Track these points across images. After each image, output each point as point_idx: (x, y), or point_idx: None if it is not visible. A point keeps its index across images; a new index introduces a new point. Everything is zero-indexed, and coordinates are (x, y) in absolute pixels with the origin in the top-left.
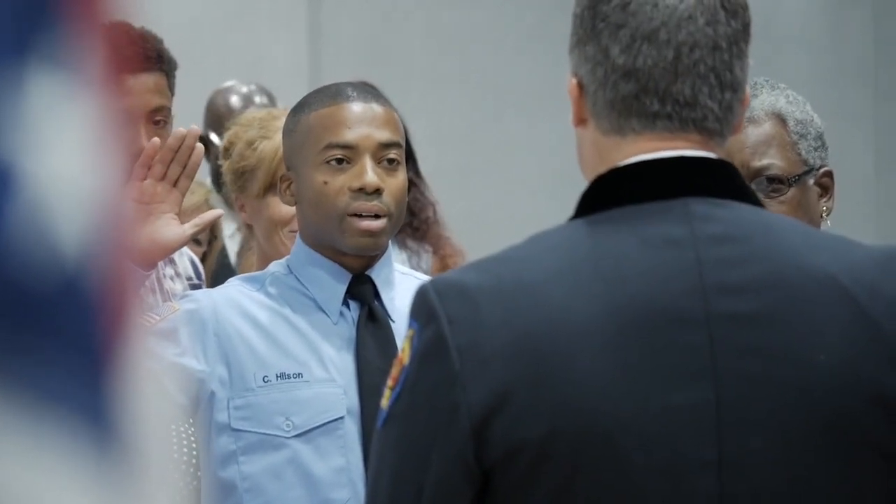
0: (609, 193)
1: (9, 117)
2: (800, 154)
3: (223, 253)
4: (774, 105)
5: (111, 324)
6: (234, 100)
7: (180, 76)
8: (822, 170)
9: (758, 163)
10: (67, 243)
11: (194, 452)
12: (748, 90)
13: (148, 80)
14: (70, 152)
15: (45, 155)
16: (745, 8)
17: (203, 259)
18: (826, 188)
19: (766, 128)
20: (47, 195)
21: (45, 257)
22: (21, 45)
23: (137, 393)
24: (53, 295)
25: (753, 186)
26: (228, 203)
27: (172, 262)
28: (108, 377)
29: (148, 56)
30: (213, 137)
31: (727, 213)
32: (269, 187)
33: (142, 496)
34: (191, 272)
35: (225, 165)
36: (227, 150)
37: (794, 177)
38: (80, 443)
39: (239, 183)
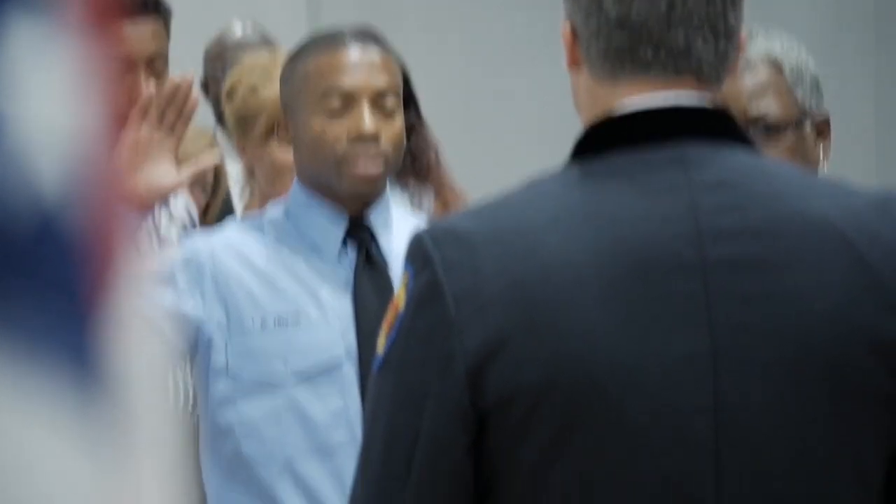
0: (604, 139)
1: None
2: (796, 100)
3: (226, 196)
4: (770, 51)
5: (97, 268)
6: (226, 35)
7: (178, 23)
8: (818, 115)
9: (754, 109)
10: (49, 188)
11: (192, 397)
12: (743, 36)
13: (145, 27)
14: (52, 97)
15: (27, 100)
16: None
17: (207, 206)
18: (823, 133)
19: (762, 74)
20: (28, 140)
21: (26, 201)
22: None
23: (126, 337)
24: (35, 239)
25: (750, 132)
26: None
27: (167, 206)
28: (93, 321)
29: (144, 2)
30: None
31: (723, 159)
32: (271, 132)
33: (126, 441)
34: (186, 217)
35: (227, 109)
36: (230, 94)
37: (791, 122)
38: (63, 387)
39: (241, 127)
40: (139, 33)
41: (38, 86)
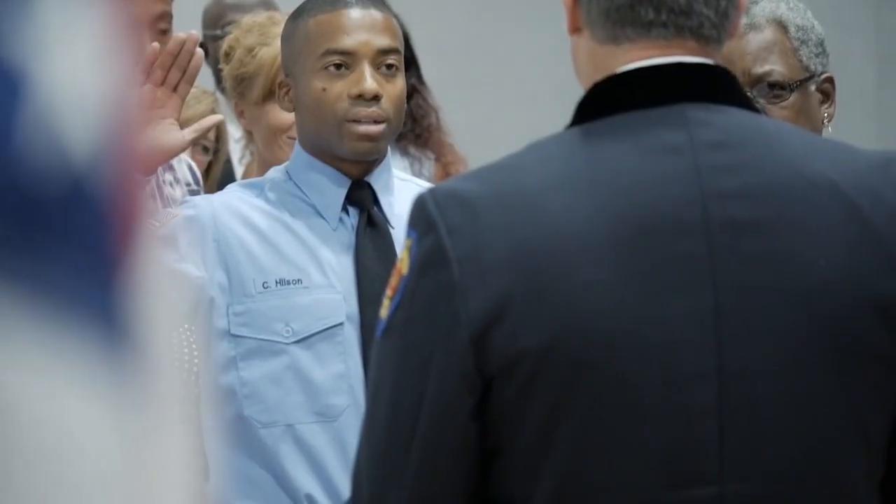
0: (606, 101)
1: (18, 24)
2: (801, 60)
3: (227, 158)
4: (775, 11)
5: (122, 227)
6: None
7: None
8: (823, 76)
9: (759, 69)
10: (77, 147)
11: (194, 358)
12: None
13: None
14: (80, 58)
15: (55, 61)
16: None
17: (209, 167)
18: (827, 94)
19: (767, 34)
20: (57, 101)
21: (55, 160)
22: None
23: (148, 296)
24: (62, 198)
25: (755, 93)
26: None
27: (171, 168)
28: (120, 280)
29: None
30: (208, 34)
31: (725, 120)
32: (269, 94)
33: (154, 399)
34: (189, 178)
35: (225, 70)
36: (228, 55)
37: (796, 82)
38: (92, 346)
39: (239, 89)
40: None
41: (67, 48)
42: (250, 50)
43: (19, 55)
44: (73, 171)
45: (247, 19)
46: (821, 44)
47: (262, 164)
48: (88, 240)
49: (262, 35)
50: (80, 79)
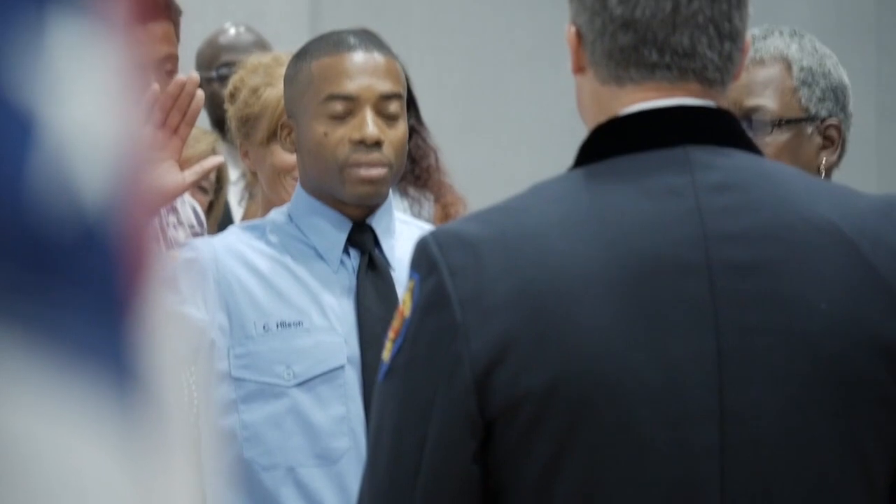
0: (609, 142)
1: (29, 65)
2: (799, 100)
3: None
4: (782, 49)
5: (131, 271)
6: (217, 36)
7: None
8: (826, 121)
9: (749, 102)
10: (88, 191)
11: (195, 401)
12: (748, 38)
13: (158, 29)
14: (91, 100)
15: (66, 103)
16: None
17: (210, 207)
18: (831, 140)
19: (768, 70)
20: (68, 144)
21: (66, 205)
22: None
23: (156, 340)
24: (75, 243)
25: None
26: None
27: (175, 210)
28: (129, 323)
29: (158, 4)
30: (202, 75)
31: (728, 162)
32: (273, 135)
33: (162, 442)
34: (193, 220)
35: (230, 111)
36: (233, 96)
37: (783, 121)
38: (101, 390)
39: (243, 130)
40: (153, 35)
41: (78, 91)
42: (255, 90)
43: (30, 99)
44: (85, 214)
45: (252, 59)
46: (833, 90)
47: (266, 205)
48: (98, 283)
49: (267, 76)
50: (90, 122)
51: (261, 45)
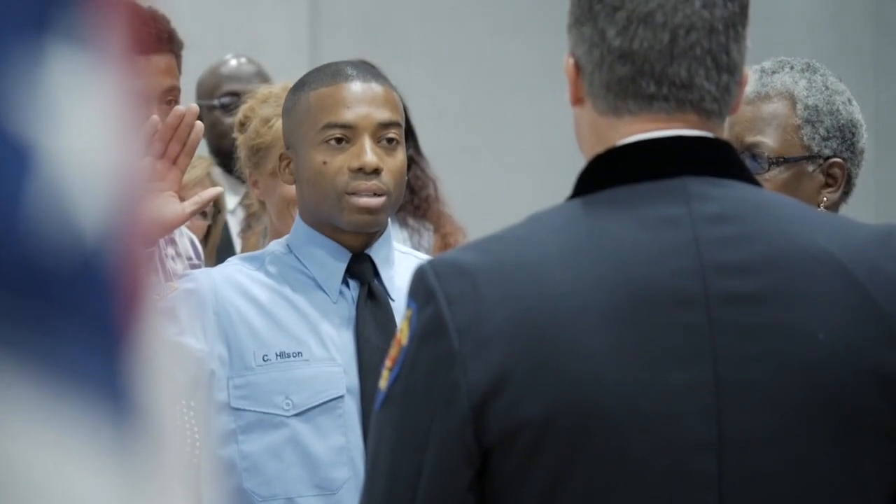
0: (606, 173)
1: (27, 95)
2: (801, 138)
3: (225, 228)
4: (789, 86)
5: (128, 300)
6: (219, 66)
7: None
8: (830, 160)
9: (749, 138)
10: (86, 221)
11: (194, 431)
12: (746, 71)
13: (160, 62)
14: (88, 130)
15: (64, 133)
16: None
17: (207, 233)
18: (835, 179)
19: (771, 106)
20: (66, 173)
21: (64, 235)
22: (40, 23)
23: (151, 370)
24: (72, 272)
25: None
26: (239, 177)
27: (173, 242)
28: (125, 352)
29: (160, 37)
30: (203, 103)
31: (725, 193)
32: None
33: (157, 469)
34: (190, 252)
35: (239, 140)
36: (243, 125)
37: (781, 158)
38: (97, 418)
39: (253, 160)
40: (155, 67)
41: (75, 120)
42: (267, 121)
43: (27, 129)
44: (82, 244)
45: (262, 89)
46: (840, 129)
47: (274, 235)
48: (95, 312)
49: (278, 106)
50: (87, 152)
51: (262, 76)
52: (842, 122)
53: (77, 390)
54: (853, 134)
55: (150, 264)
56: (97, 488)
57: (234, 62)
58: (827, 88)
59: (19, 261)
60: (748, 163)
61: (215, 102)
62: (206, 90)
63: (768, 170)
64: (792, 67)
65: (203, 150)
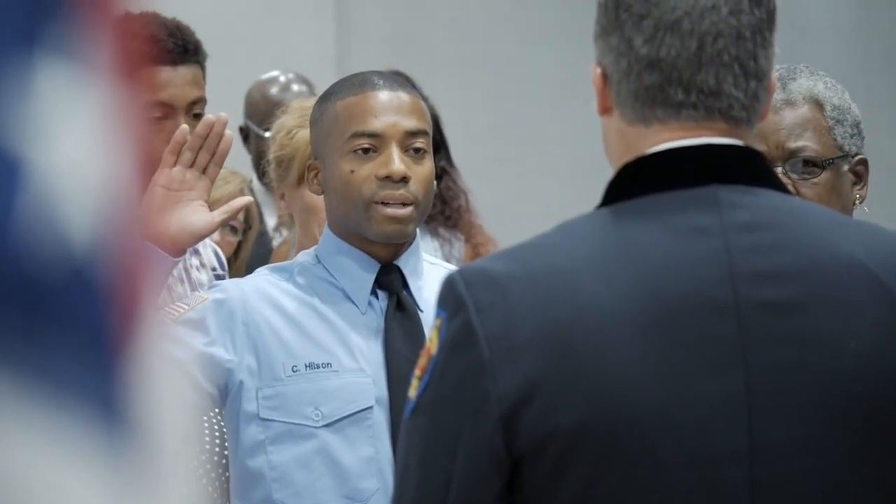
0: (636, 181)
1: (16, 109)
2: (835, 139)
3: (262, 243)
4: (812, 89)
5: (123, 313)
6: (273, 90)
7: (208, 68)
8: (856, 157)
9: (793, 144)
10: (77, 234)
11: (224, 442)
12: (774, 77)
13: (187, 73)
14: (78, 144)
15: (53, 146)
16: None
17: (238, 248)
18: (860, 176)
19: (803, 111)
20: (55, 186)
21: (55, 248)
22: (29, 37)
23: (152, 382)
24: (64, 285)
25: (787, 168)
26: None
27: (197, 252)
28: (120, 366)
29: (186, 48)
30: (252, 127)
31: (756, 201)
32: (304, 176)
33: (153, 485)
34: (214, 262)
35: (269, 155)
36: (273, 140)
37: (829, 160)
38: (91, 431)
39: (279, 172)
40: (180, 79)
41: (66, 133)
42: (289, 132)
43: (17, 140)
44: (73, 255)
45: (293, 104)
46: (856, 125)
47: (300, 247)
48: (88, 324)
49: (301, 117)
50: (78, 164)
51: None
52: (855, 118)
53: (68, 400)
54: (861, 129)
55: (169, 273)
56: (89, 497)
57: (276, 90)
58: (836, 87)
59: (8, 272)
60: (798, 167)
61: (265, 134)
62: (257, 114)
63: (821, 173)
64: (802, 72)
65: (236, 161)
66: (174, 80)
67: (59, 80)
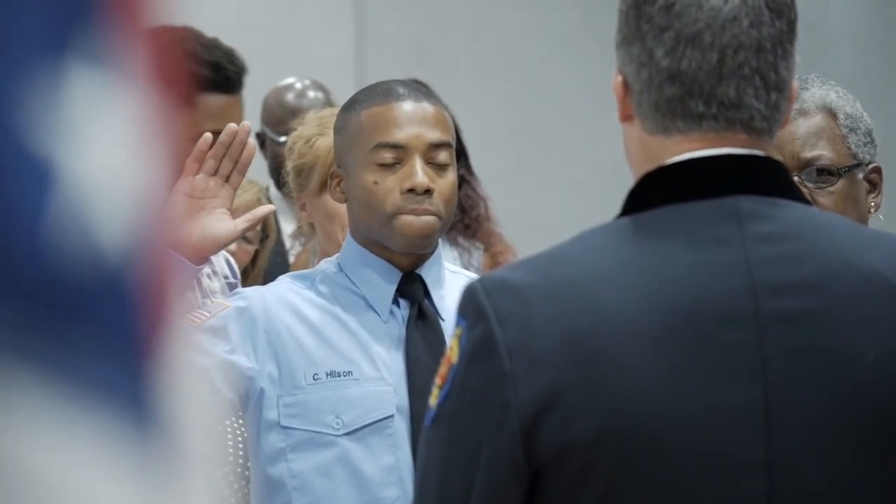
0: (656, 191)
1: (49, 114)
2: (849, 147)
3: (279, 251)
4: (825, 98)
5: (152, 317)
6: (289, 96)
7: None
8: (870, 165)
9: (808, 153)
10: (107, 238)
11: (244, 449)
12: (795, 86)
13: (235, 104)
14: (110, 149)
15: (85, 152)
16: (791, 7)
17: (255, 257)
18: (874, 184)
19: (817, 120)
20: (87, 191)
21: (86, 252)
22: (61, 43)
23: (179, 386)
24: (94, 288)
25: (802, 177)
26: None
27: (209, 260)
28: (149, 369)
29: (230, 79)
30: (269, 133)
31: (776, 212)
32: (325, 184)
33: (180, 488)
34: (227, 271)
35: (288, 165)
36: (291, 150)
37: (844, 168)
38: (120, 434)
39: (299, 181)
40: (222, 109)
41: (96, 136)
42: (308, 141)
43: (47, 143)
44: (103, 258)
45: (311, 113)
46: (869, 133)
47: (322, 255)
48: (118, 327)
49: (320, 126)
50: (109, 167)
51: (325, 101)
52: (867, 126)
53: (96, 400)
54: (873, 136)
55: (192, 280)
56: (115, 497)
57: (298, 86)
58: (848, 96)
59: (39, 274)
60: (814, 176)
61: (281, 140)
62: (273, 120)
63: (837, 182)
64: (813, 81)
65: (256, 171)
66: (216, 107)
67: (92, 87)
